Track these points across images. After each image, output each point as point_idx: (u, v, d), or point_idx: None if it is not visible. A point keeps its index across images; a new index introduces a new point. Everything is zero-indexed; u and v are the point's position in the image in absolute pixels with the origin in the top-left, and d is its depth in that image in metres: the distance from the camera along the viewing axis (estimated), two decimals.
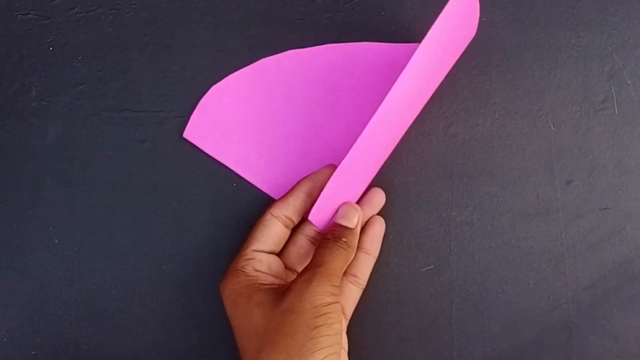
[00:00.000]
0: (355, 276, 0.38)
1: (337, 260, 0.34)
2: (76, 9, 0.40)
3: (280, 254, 0.38)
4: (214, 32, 0.40)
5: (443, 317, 0.39)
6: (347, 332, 0.38)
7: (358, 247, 0.38)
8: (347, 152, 0.33)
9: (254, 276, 0.35)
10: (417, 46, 0.32)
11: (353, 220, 0.36)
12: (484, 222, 0.39)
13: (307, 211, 0.37)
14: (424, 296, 0.39)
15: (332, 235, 0.35)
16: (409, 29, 0.40)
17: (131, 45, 0.40)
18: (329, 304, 0.32)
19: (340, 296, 0.37)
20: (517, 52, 0.40)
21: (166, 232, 0.39)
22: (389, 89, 0.31)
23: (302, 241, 0.38)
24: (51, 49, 0.40)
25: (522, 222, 0.39)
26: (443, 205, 0.39)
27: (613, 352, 0.39)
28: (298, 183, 0.38)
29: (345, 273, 0.38)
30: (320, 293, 0.32)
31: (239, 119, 0.39)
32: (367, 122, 0.32)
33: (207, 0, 0.40)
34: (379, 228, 0.39)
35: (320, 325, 0.31)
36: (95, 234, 0.39)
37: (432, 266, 0.39)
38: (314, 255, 0.35)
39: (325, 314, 0.32)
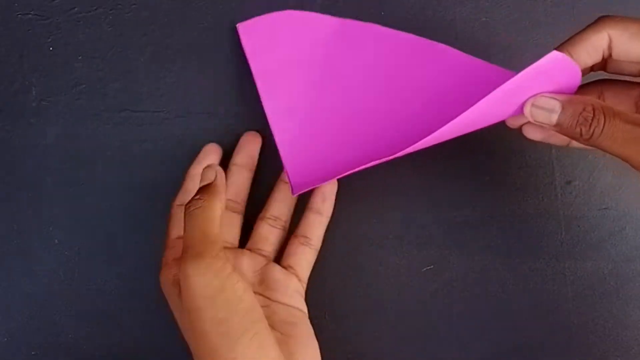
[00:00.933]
0: (306, 237, 0.37)
1: (198, 226, 0.31)
2: (76, 9, 0.40)
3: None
4: (213, 32, 0.40)
5: (443, 317, 0.39)
6: (346, 331, 0.38)
7: (308, 207, 0.38)
8: (382, 149, 0.33)
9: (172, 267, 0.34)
10: (505, 72, 0.31)
11: (209, 176, 0.33)
12: (484, 222, 0.39)
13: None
14: (424, 296, 0.39)
15: (187, 205, 0.32)
16: (408, 29, 0.40)
17: (131, 45, 0.40)
18: (220, 288, 0.29)
19: (293, 260, 0.37)
20: (517, 52, 0.40)
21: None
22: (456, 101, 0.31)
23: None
24: (51, 49, 0.40)
25: (522, 222, 0.39)
26: (443, 205, 0.39)
27: (613, 352, 0.39)
28: (189, 172, 0.37)
29: (295, 235, 0.37)
30: (204, 283, 0.29)
31: (296, 57, 0.37)
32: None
33: (207, 0, 0.40)
34: (329, 187, 0.38)
35: (223, 318, 0.29)
36: (95, 234, 0.39)
37: (432, 266, 0.39)
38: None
39: (222, 303, 0.29)
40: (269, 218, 0.38)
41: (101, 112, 0.40)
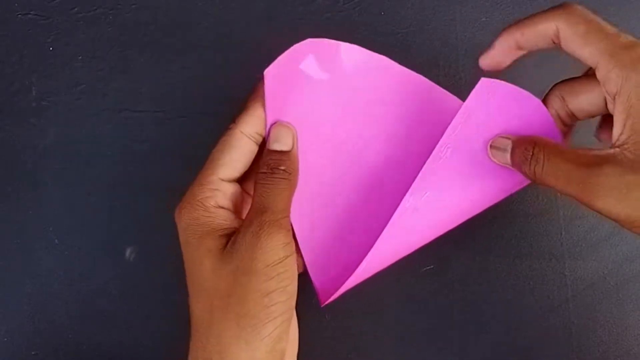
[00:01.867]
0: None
1: (281, 197, 0.30)
2: (76, 9, 0.40)
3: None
4: (214, 32, 0.40)
5: (443, 317, 0.39)
6: (346, 331, 0.38)
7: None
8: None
9: (212, 213, 0.31)
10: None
11: (287, 141, 0.32)
12: (484, 222, 0.39)
13: None
14: (424, 296, 0.39)
15: (267, 167, 0.31)
16: (409, 29, 0.40)
17: (131, 45, 0.40)
18: (283, 259, 0.29)
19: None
20: None
21: (166, 232, 0.39)
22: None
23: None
24: (51, 49, 0.40)
25: (522, 222, 0.39)
26: None
27: (613, 352, 0.39)
28: (254, 90, 0.33)
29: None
30: (273, 247, 0.29)
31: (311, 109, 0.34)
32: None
33: (207, 0, 0.40)
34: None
35: (273, 291, 0.29)
36: (96, 234, 0.39)
37: (432, 266, 0.39)
38: (254, 194, 0.31)
39: (278, 274, 0.29)
40: None
41: (101, 112, 0.40)
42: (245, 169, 0.33)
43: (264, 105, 0.32)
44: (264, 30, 0.40)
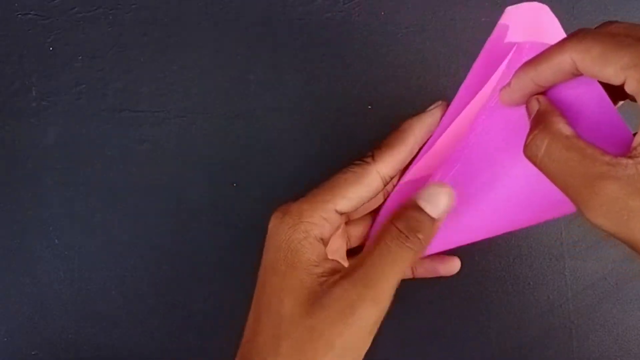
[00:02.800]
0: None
1: (397, 272, 0.26)
2: (76, 9, 0.40)
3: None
4: (214, 32, 0.40)
5: (443, 317, 0.39)
6: None
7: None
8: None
9: (311, 245, 0.28)
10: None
11: (440, 207, 0.27)
12: None
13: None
14: (424, 296, 0.39)
15: (404, 225, 0.26)
16: (409, 29, 0.40)
17: (131, 45, 0.40)
18: (366, 336, 0.26)
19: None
20: None
21: (166, 232, 0.39)
22: None
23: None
24: (51, 49, 0.40)
25: None
26: None
27: (613, 352, 0.39)
28: (411, 130, 0.30)
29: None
30: (360, 326, 0.26)
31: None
32: None
33: (207, 0, 0.40)
34: (444, 269, 0.34)
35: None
36: (95, 234, 0.39)
37: None
38: (372, 244, 0.27)
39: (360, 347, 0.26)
40: None
41: (101, 112, 0.40)
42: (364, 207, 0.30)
43: (408, 150, 0.29)
44: (264, 30, 0.40)
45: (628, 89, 0.25)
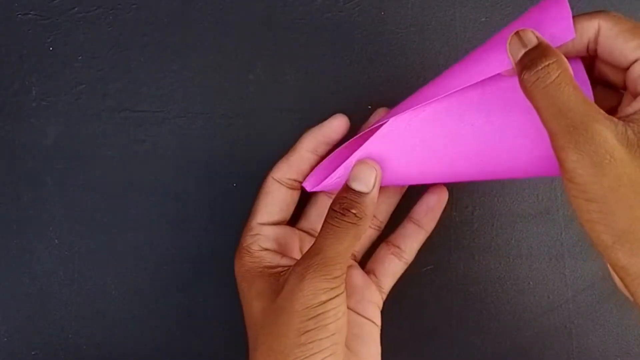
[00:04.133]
0: (399, 248, 0.35)
1: (341, 242, 0.29)
2: (76, 9, 0.40)
3: (301, 218, 0.35)
4: (214, 32, 0.40)
5: (443, 317, 0.39)
6: None
7: (409, 217, 0.35)
8: None
9: (258, 257, 0.32)
10: None
11: (369, 182, 0.30)
12: (484, 222, 0.39)
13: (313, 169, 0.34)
14: (424, 296, 0.39)
15: (339, 206, 0.29)
16: (409, 29, 0.40)
17: (131, 45, 0.40)
18: (324, 302, 0.29)
19: (378, 268, 0.35)
20: None
21: (166, 232, 0.39)
22: None
23: (322, 199, 0.34)
24: (51, 49, 0.40)
25: (522, 222, 0.39)
26: None
27: (613, 352, 0.39)
28: (301, 139, 0.33)
29: (388, 242, 0.35)
30: (313, 292, 0.28)
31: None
32: None
33: (207, 0, 0.40)
34: (435, 198, 0.35)
35: (311, 330, 0.28)
36: (95, 234, 0.39)
37: (432, 266, 0.39)
38: (319, 232, 0.30)
39: (318, 315, 0.29)
40: None
41: (101, 112, 0.40)
42: (287, 210, 0.34)
43: (306, 154, 0.33)
44: (264, 30, 0.40)
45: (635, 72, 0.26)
